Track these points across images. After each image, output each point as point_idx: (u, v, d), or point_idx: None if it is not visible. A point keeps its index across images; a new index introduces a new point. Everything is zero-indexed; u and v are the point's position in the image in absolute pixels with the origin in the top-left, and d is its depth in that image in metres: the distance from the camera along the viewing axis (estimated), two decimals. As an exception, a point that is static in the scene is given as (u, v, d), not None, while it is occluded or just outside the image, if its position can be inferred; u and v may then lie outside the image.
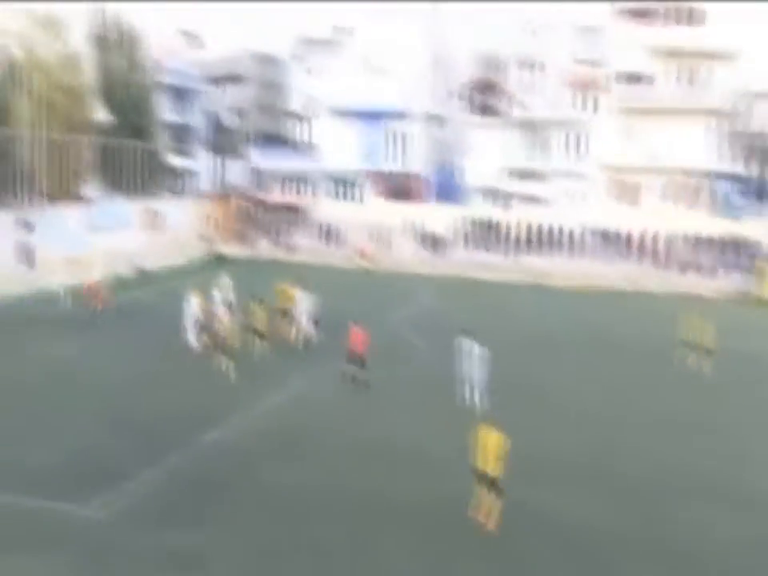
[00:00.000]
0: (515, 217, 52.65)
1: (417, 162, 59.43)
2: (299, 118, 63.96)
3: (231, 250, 54.24)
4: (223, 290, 30.35)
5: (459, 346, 23.20)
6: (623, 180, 54.23)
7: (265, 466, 17.92)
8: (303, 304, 28.56)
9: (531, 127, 56.86)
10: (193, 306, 27.30)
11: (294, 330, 28.66)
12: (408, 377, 25.29)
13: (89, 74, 50.11)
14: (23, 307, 33.34)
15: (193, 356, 26.49)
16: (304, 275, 31.74)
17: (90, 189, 48.44)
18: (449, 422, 20.96)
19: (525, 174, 56.23)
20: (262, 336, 26.85)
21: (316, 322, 28.64)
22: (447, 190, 58.59)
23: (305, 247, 54.39)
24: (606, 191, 54.47)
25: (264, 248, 55.11)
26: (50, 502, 15.53)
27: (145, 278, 43.05)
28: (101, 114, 51.17)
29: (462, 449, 16.77)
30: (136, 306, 33.94)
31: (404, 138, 59.65)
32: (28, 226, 38.84)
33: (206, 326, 26.78)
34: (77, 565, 13.56)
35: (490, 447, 15.19)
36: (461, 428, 19.05)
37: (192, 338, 27.10)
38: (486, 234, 52.81)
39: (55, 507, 15.35)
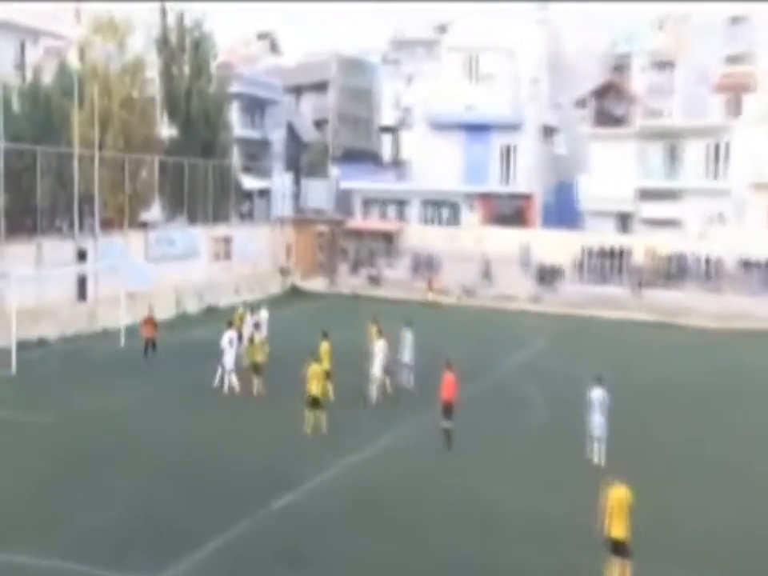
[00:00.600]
0: (643, 244, 51.56)
1: (528, 181, 59.09)
2: (391, 131, 64.45)
3: (311, 283, 54.78)
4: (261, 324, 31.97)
5: (590, 396, 22.74)
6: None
7: (347, 535, 17.78)
8: (378, 350, 28.03)
9: (663, 138, 55.86)
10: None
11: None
12: (521, 429, 24.86)
13: (152, 84, 51.58)
14: (77, 347, 34.22)
15: (261, 404, 26.68)
16: (379, 314, 31.45)
17: (153, 213, 49.63)
18: (572, 481, 20.58)
19: (655, 194, 55.15)
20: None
21: (386, 372, 28.31)
22: (563, 213, 58.03)
23: (394, 279, 54.53)
24: (755, 213, 52.89)
25: (348, 281, 55.48)
26: (104, 570, 15.68)
27: (213, 314, 43.78)
28: (165, 130, 52.57)
29: (587, 512, 16.34)
30: (199, 346, 34.42)
31: (514, 153, 59.38)
32: (84, 256, 40.00)
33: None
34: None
35: (621, 508, 15.01)
36: (585, 489, 18.66)
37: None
38: (609, 264, 51.89)
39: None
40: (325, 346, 27.64)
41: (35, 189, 39.47)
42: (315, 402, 24.44)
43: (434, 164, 59.93)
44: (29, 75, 46.29)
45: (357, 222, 60.74)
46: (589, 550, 15.93)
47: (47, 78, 45.43)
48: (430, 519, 18.61)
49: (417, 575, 16.20)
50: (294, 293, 53.39)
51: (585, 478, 20.42)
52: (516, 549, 17.22)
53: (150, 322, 33.61)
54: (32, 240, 37.75)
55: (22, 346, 31.31)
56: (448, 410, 23.49)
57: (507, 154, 59.50)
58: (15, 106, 42.49)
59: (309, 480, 20.68)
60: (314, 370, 24.67)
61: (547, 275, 52.09)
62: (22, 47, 51.69)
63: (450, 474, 21.47)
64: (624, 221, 56.13)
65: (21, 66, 50.43)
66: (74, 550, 16.47)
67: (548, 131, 61.70)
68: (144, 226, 47.25)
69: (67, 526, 17.69)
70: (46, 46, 52.58)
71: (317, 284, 55.09)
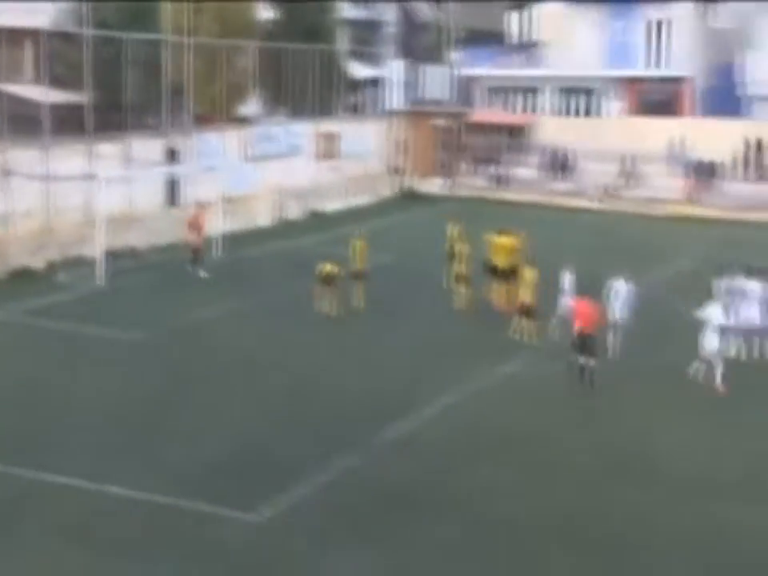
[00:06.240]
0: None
1: (683, 62, 56.86)
2: (519, 6, 62.77)
3: (428, 184, 54.25)
4: None
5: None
6: None
7: (465, 472, 17.70)
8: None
9: None
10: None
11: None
12: (669, 363, 24.09)
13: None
14: (169, 258, 34.62)
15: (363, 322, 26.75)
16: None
17: (252, 107, 49.64)
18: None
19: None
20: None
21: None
22: (725, 100, 55.78)
23: (523, 180, 53.42)
24: None
25: (470, 182, 54.70)
26: (199, 504, 15.93)
27: (318, 220, 43.81)
28: (265, 12, 52.27)
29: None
30: (301, 256, 34.39)
31: (666, 29, 57.09)
32: (174, 156, 40.26)
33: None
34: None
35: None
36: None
37: None
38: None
39: (210, 511, 15.75)
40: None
41: (123, 81, 39.68)
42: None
43: (571, 45, 58.23)
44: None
45: (480, 114, 59.66)
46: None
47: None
48: (560, 460, 18.34)
49: (534, 520, 15.96)
50: (409, 196, 52.99)
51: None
52: (661, 502, 16.75)
53: (196, 224, 33.10)
54: (120, 138, 38.08)
55: (111, 255, 31.85)
56: (586, 343, 22.20)
57: (658, 30, 57.30)
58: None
59: (425, 407, 20.63)
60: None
61: (705, 173, 50.20)
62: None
63: (588, 414, 21.12)
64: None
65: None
66: (166, 482, 16.73)
67: (707, 1, 59.04)
68: (242, 121, 47.31)
69: (160, 455, 17.99)
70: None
71: (434, 185, 54.48)
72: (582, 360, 22.11)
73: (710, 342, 21.83)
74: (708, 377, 21.96)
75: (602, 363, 22.57)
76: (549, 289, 25.63)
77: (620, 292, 23.65)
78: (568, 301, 24.37)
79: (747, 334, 23.70)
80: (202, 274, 32.23)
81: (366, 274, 28.46)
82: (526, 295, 25.18)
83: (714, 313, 21.93)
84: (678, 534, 15.50)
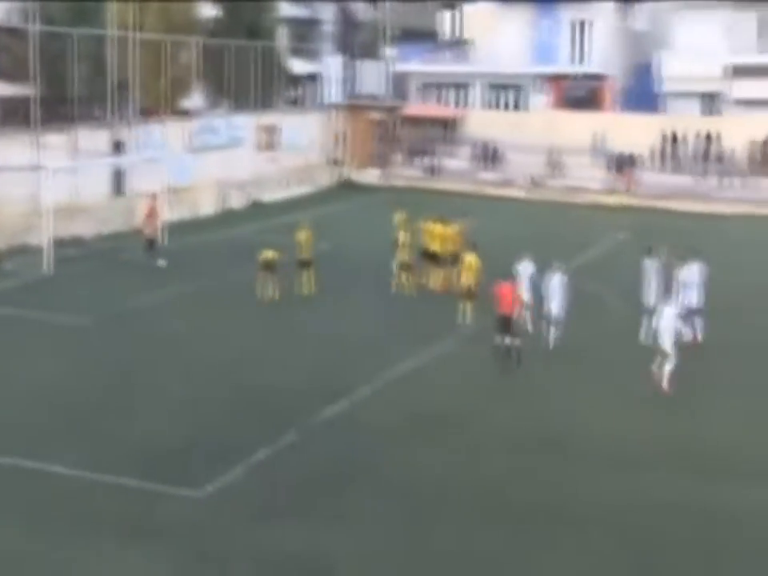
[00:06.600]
0: (733, 128, 49.74)
1: (603, 60, 57.19)
2: (451, 6, 62.73)
3: (364, 175, 54.03)
4: None
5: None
6: None
7: (401, 450, 17.60)
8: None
9: (757, 7, 53.51)
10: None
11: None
12: (590, 342, 24.16)
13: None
14: (114, 246, 34.14)
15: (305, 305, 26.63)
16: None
17: (195, 101, 49.05)
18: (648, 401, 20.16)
19: (748, 71, 53.00)
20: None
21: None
22: (642, 96, 56.24)
23: (454, 170, 53.40)
24: None
25: (404, 172, 54.55)
26: (145, 482, 15.69)
27: (259, 210, 43.39)
28: (207, 9, 51.63)
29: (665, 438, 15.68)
30: (243, 244, 34.00)
31: (588, 29, 57.36)
32: (120, 147, 39.63)
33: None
34: (176, 558, 13.59)
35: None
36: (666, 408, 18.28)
37: None
38: (693, 151, 50.29)
39: (154, 488, 15.52)
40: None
41: (70, 75, 38.92)
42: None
43: (499, 43, 58.31)
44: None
45: (414, 108, 59.55)
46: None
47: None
48: (490, 439, 18.32)
49: (472, 493, 15.97)
50: (347, 186, 52.77)
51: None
52: (585, 476, 16.75)
53: (152, 214, 32.53)
54: (67, 130, 37.32)
55: (57, 244, 31.21)
56: (507, 325, 22.22)
57: (581, 30, 57.59)
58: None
59: (360, 388, 20.51)
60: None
61: (623, 164, 50.61)
62: None
63: (513, 390, 21.19)
64: (711, 102, 54.21)
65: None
66: (112, 462, 16.47)
67: (626, 3, 59.44)
68: (185, 114, 46.71)
69: (106, 435, 17.71)
70: None
71: (370, 176, 54.28)
72: (506, 341, 22.10)
73: (666, 341, 20.57)
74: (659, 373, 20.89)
75: (532, 344, 22.67)
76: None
77: (555, 285, 23.24)
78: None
79: (685, 316, 23.49)
80: (160, 262, 31.66)
81: (312, 262, 28.18)
82: (468, 279, 25.13)
83: (669, 312, 20.88)
84: (598, 505, 15.55)
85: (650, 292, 23.81)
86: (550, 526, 14.76)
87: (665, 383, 20.42)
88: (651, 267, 24.26)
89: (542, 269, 24.31)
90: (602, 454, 17.61)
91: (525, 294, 23.89)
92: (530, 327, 24.05)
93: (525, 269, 24.40)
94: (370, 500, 15.50)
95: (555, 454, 17.46)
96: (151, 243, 32.22)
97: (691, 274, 23.85)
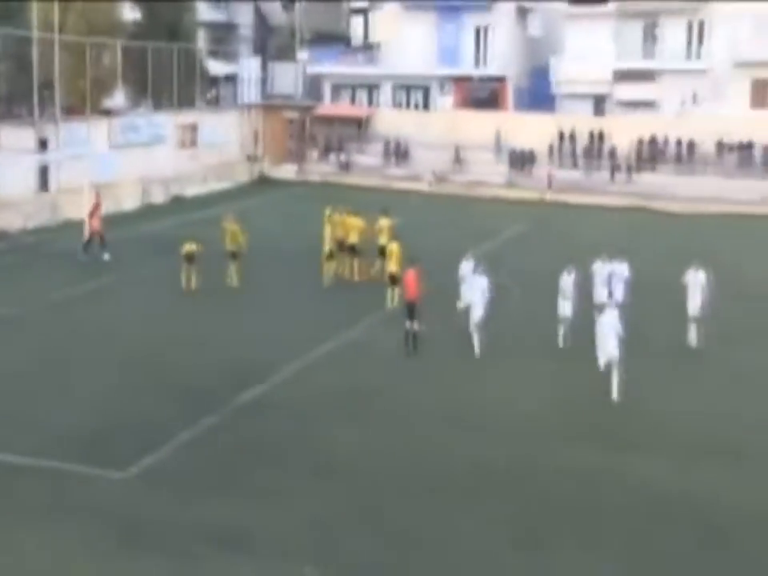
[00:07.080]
0: (620, 127, 50.76)
1: (502, 64, 57.73)
2: (361, 12, 62.70)
3: (280, 171, 53.83)
4: None
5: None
6: (762, 79, 51.71)
7: (318, 427, 17.76)
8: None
9: (641, 17, 54.64)
10: None
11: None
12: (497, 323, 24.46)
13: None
14: (40, 240, 33.53)
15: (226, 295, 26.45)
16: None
17: (117, 100, 48.26)
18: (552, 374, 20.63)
19: (632, 75, 54.12)
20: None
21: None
22: (538, 97, 56.99)
23: (365, 166, 53.57)
24: (734, 94, 52.09)
25: (318, 168, 54.50)
26: (73, 465, 15.58)
27: (180, 204, 42.95)
28: (128, 12, 50.78)
29: (553, 403, 16.04)
30: (165, 238, 33.71)
31: (488, 34, 57.84)
32: (44, 145, 38.90)
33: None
34: (104, 536, 13.54)
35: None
36: (561, 379, 18.78)
37: None
38: (584, 148, 51.16)
39: (81, 471, 15.43)
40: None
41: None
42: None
43: (406, 46, 58.45)
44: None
45: (326, 107, 59.50)
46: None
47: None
48: (401, 415, 18.59)
49: (385, 465, 16.21)
50: (263, 181, 52.55)
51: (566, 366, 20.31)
52: (481, 444, 17.22)
53: (96, 210, 31.85)
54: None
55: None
56: (412, 310, 22.35)
57: (484, 35, 58.09)
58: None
59: (281, 371, 20.57)
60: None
61: (521, 160, 51.32)
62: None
63: (422, 374, 21.37)
64: (600, 104, 55.28)
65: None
66: (42, 447, 16.30)
67: (523, 11, 60.06)
68: (108, 113, 45.95)
69: (34, 422, 17.53)
70: None
71: (286, 172, 54.12)
72: (410, 325, 22.26)
73: (612, 351, 19.55)
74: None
75: (445, 329, 23.01)
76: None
77: (475, 282, 22.92)
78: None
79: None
80: (106, 256, 31.04)
81: (240, 254, 27.98)
82: (392, 266, 25.25)
83: (613, 323, 19.74)
84: (497, 473, 15.95)
85: (602, 292, 23.99)
86: (457, 494, 15.09)
87: (616, 394, 19.30)
88: (602, 269, 24.44)
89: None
90: (502, 426, 18.02)
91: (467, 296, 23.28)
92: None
93: (466, 267, 24.48)
94: (289, 476, 15.64)
95: (460, 427, 17.85)
96: (101, 237, 31.38)
97: (620, 270, 24.42)
